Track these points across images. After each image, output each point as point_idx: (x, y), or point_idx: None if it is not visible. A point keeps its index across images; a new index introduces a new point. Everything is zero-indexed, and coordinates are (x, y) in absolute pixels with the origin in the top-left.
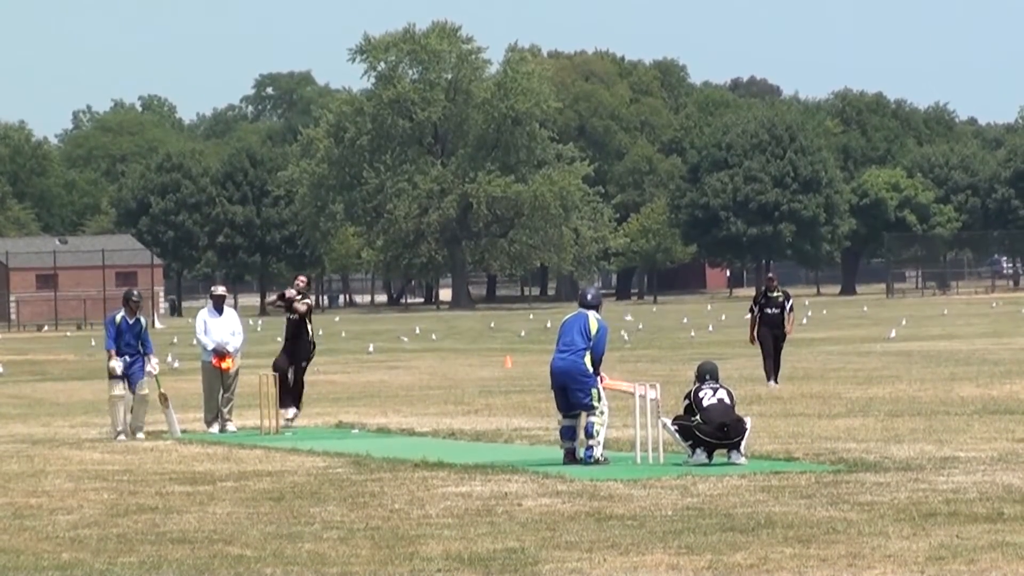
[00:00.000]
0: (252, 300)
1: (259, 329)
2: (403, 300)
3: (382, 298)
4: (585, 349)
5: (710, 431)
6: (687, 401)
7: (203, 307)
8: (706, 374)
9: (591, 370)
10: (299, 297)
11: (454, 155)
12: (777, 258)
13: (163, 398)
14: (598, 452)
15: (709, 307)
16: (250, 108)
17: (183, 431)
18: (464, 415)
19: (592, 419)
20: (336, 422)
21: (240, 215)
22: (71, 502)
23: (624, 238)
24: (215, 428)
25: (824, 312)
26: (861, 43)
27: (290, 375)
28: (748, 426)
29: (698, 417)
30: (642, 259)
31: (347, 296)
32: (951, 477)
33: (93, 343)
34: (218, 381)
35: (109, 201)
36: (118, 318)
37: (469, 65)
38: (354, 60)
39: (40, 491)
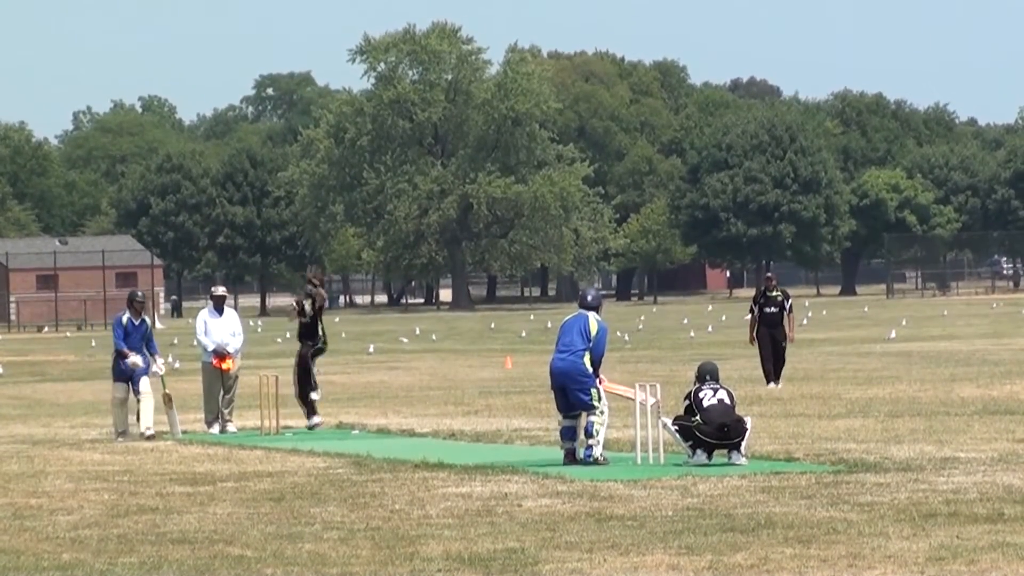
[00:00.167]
0: (252, 301)
1: (259, 330)
2: (403, 301)
3: (382, 299)
4: (584, 350)
5: (710, 431)
6: (687, 401)
7: (203, 308)
8: (706, 374)
9: (590, 370)
10: (308, 299)
11: (454, 156)
12: (777, 259)
13: (167, 399)
14: (597, 452)
15: (710, 307)
16: (250, 109)
17: (183, 432)
18: (464, 416)
19: (592, 419)
20: (336, 423)
21: (240, 216)
22: (71, 503)
23: (624, 239)
24: (215, 429)
25: (824, 313)
26: (861, 43)
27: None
28: (748, 426)
29: (698, 417)
30: (642, 260)
31: (347, 297)
32: (951, 478)
33: (93, 344)
34: (218, 382)
35: (109, 202)
36: (124, 319)
37: (469, 66)
38: (354, 61)
39: (40, 492)
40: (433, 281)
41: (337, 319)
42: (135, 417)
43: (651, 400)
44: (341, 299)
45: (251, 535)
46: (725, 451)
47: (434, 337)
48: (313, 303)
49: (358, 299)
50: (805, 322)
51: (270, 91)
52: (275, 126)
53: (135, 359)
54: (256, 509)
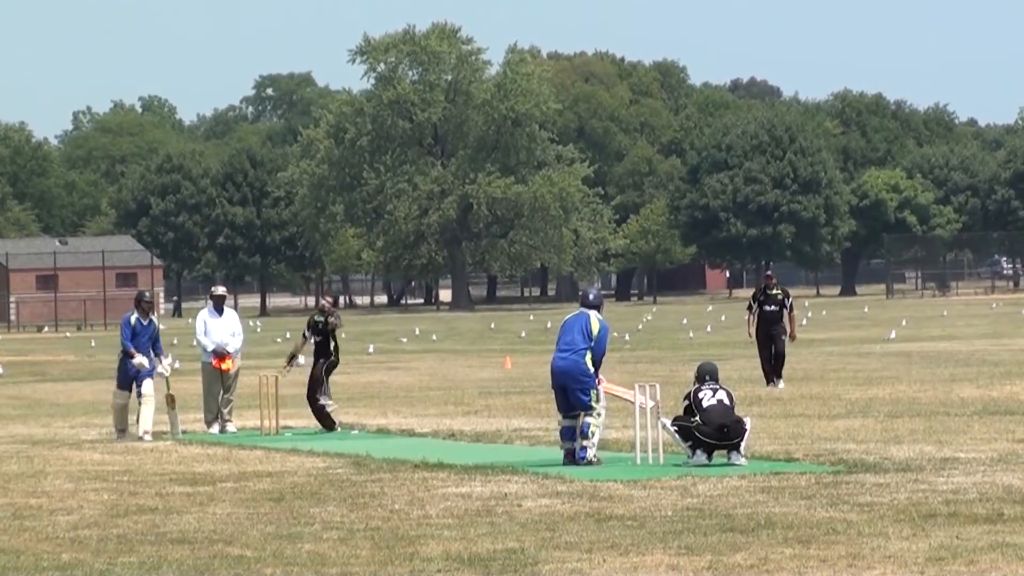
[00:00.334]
0: (252, 301)
1: (259, 330)
2: (403, 301)
3: (382, 299)
4: (586, 349)
5: (710, 432)
6: (687, 402)
7: (203, 308)
8: (706, 375)
9: (592, 370)
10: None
11: (454, 156)
12: (777, 259)
13: (171, 399)
14: (591, 453)
15: (710, 308)
16: (250, 109)
17: (183, 431)
18: (464, 416)
19: (588, 420)
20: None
21: (240, 216)
22: (71, 503)
23: (624, 239)
24: (215, 429)
25: (824, 313)
26: (861, 44)
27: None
28: (748, 427)
29: (698, 418)
30: (642, 260)
31: (347, 297)
32: (951, 478)
33: (93, 344)
34: (218, 382)
35: (109, 202)
36: (133, 319)
37: (469, 66)
38: (354, 61)
39: (40, 492)
40: (433, 281)
41: None
42: (134, 417)
43: (650, 403)
44: (341, 299)
45: (251, 535)
46: (725, 451)
47: (434, 337)
48: (326, 321)
49: (358, 299)
50: (805, 322)
51: (270, 91)
52: (275, 126)
53: (141, 360)
54: (256, 509)
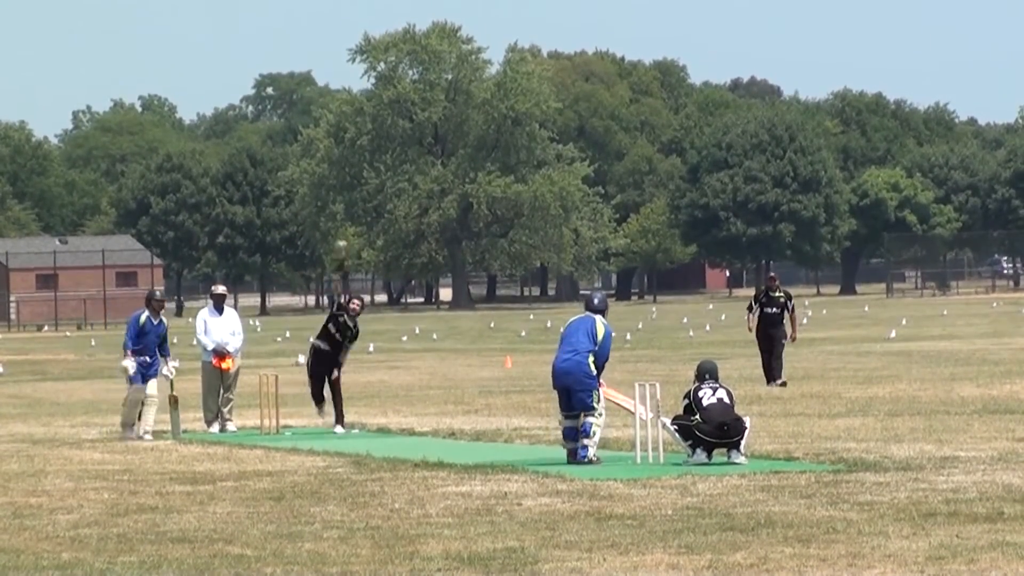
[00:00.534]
0: (252, 300)
1: (259, 329)
2: (403, 300)
3: (382, 298)
4: (590, 351)
5: (710, 430)
6: (686, 401)
7: (203, 307)
8: (706, 373)
9: (595, 372)
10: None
11: (454, 155)
12: (777, 258)
13: (174, 401)
14: (591, 452)
15: (711, 307)
16: (250, 108)
17: (183, 431)
18: (464, 415)
19: (589, 419)
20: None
21: (240, 215)
22: (71, 502)
23: (624, 238)
24: (215, 428)
25: (824, 312)
26: (861, 43)
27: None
28: (747, 425)
29: (697, 416)
30: (642, 259)
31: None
32: (951, 477)
33: (93, 343)
34: (218, 381)
35: (109, 201)
36: (142, 319)
37: (469, 65)
38: (354, 60)
39: (40, 491)
40: (433, 280)
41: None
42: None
43: (649, 415)
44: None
45: (251, 534)
46: (725, 450)
47: (434, 336)
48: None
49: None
50: (805, 321)
51: (270, 91)
52: (275, 126)
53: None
54: (256, 508)
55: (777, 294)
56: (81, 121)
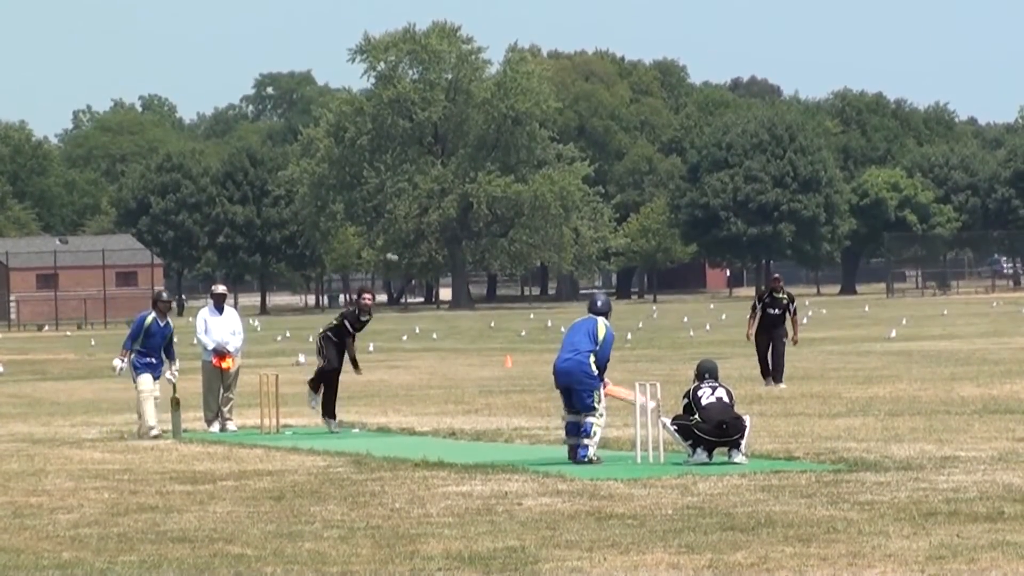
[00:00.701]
0: (253, 300)
1: (259, 329)
2: (403, 300)
3: (382, 298)
4: (590, 352)
5: (709, 429)
6: (686, 400)
7: (203, 306)
8: (705, 373)
9: (596, 372)
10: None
11: (454, 155)
12: (777, 258)
13: (176, 402)
14: (592, 452)
15: (711, 306)
16: (250, 108)
17: (184, 430)
18: (464, 414)
19: (590, 419)
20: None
21: (240, 215)
22: (71, 501)
23: (624, 238)
24: (215, 427)
25: (824, 312)
26: (861, 43)
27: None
28: (747, 424)
29: (697, 416)
30: (642, 259)
31: (347, 296)
32: (951, 476)
33: (93, 343)
34: (218, 380)
35: (109, 201)
36: (148, 320)
37: (469, 65)
38: (354, 60)
39: (40, 490)
40: (433, 280)
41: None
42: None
43: (651, 404)
44: (341, 298)
45: (251, 534)
46: (725, 450)
47: (434, 336)
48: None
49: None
50: (805, 321)
51: (270, 90)
52: (275, 125)
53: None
54: (256, 508)
55: (780, 295)
56: (81, 121)
